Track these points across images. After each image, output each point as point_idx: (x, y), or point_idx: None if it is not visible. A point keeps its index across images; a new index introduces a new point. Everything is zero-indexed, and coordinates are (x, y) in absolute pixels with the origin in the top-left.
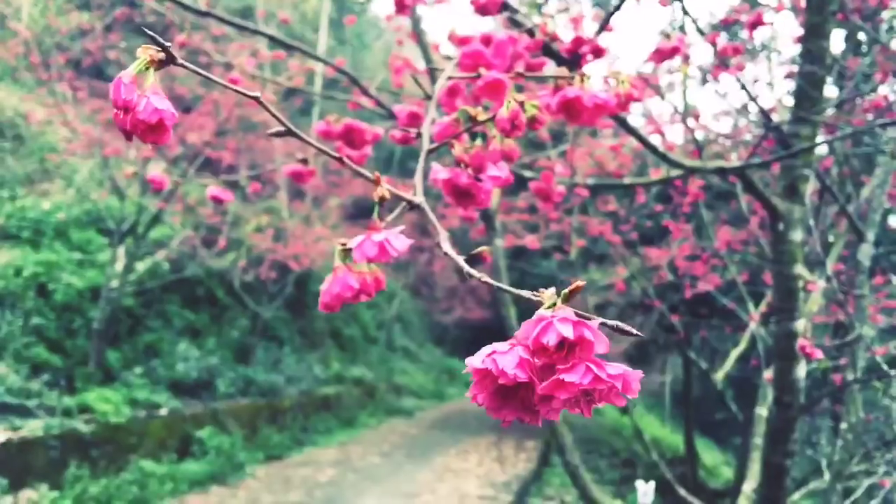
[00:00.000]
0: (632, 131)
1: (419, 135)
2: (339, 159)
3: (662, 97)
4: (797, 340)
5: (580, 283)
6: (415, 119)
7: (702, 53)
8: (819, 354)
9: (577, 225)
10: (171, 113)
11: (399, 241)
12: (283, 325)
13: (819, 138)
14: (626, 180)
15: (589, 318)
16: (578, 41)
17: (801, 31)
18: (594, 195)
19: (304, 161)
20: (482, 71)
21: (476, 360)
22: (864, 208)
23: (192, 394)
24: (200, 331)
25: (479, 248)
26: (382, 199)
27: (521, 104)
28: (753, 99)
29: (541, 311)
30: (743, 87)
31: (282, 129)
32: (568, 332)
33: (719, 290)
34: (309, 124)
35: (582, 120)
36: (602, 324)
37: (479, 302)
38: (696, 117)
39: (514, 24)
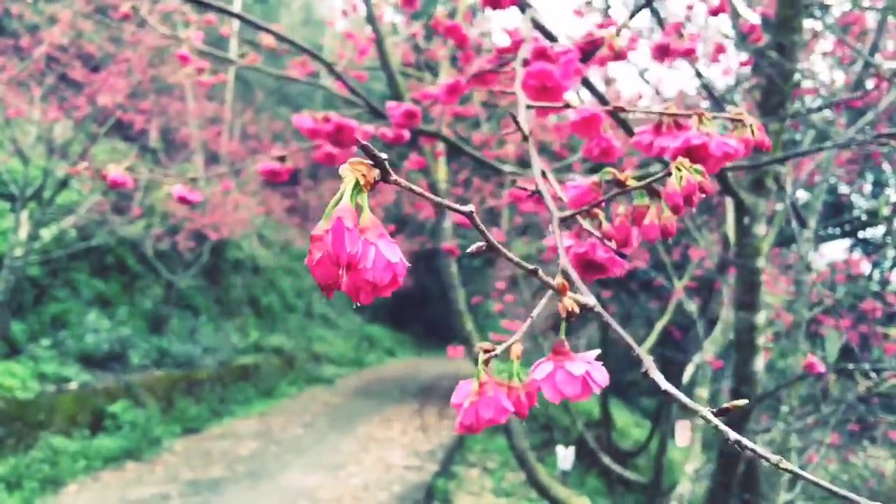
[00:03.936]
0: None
1: (536, 192)
2: (534, 272)
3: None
4: (757, 333)
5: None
6: (411, 118)
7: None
8: (821, 368)
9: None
10: (404, 265)
11: (601, 373)
12: (198, 293)
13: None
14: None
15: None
16: (592, 41)
17: (756, 20)
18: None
19: (282, 159)
20: (571, 101)
21: None
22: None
23: (104, 366)
24: (111, 300)
25: (732, 404)
26: (571, 314)
27: (689, 169)
28: (711, 92)
29: None
30: (699, 75)
31: (483, 244)
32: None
33: (650, 265)
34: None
35: (705, 167)
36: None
37: None
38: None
39: (537, 26)
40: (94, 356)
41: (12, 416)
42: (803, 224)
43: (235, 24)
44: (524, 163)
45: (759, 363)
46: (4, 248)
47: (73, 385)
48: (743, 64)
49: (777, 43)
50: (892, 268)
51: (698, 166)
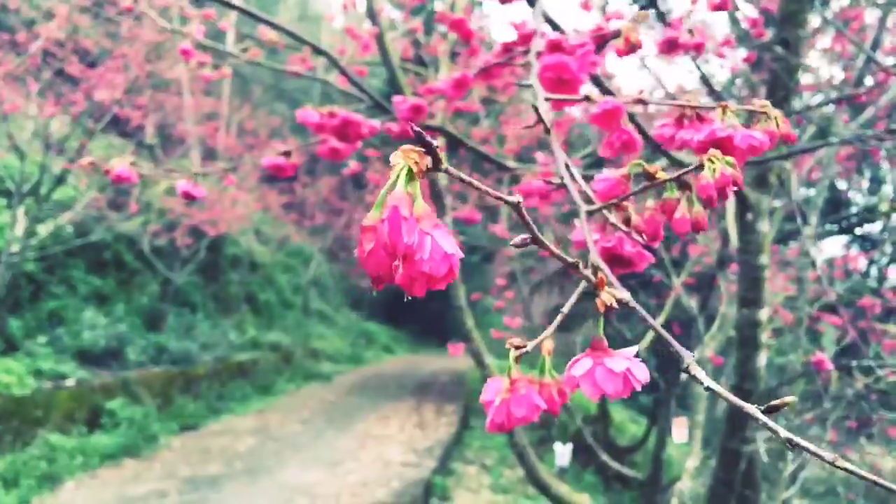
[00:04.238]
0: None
1: (561, 185)
2: (574, 266)
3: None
4: (760, 329)
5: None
6: (417, 112)
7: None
8: (829, 366)
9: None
10: (459, 256)
11: (641, 370)
12: (195, 289)
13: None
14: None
15: None
16: (601, 34)
17: (753, 14)
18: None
19: (287, 154)
20: (592, 94)
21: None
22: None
23: (101, 363)
24: (108, 297)
25: (781, 401)
26: (610, 309)
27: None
28: (712, 87)
29: None
30: (699, 69)
31: (527, 237)
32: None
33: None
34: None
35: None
36: None
37: None
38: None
39: (546, 19)
40: (90, 353)
41: (9, 413)
42: (805, 220)
43: (234, 18)
44: (522, 159)
45: (762, 359)
46: (1, 244)
47: (70, 382)
48: (745, 60)
49: (782, 38)
50: (888, 264)
51: (730, 158)
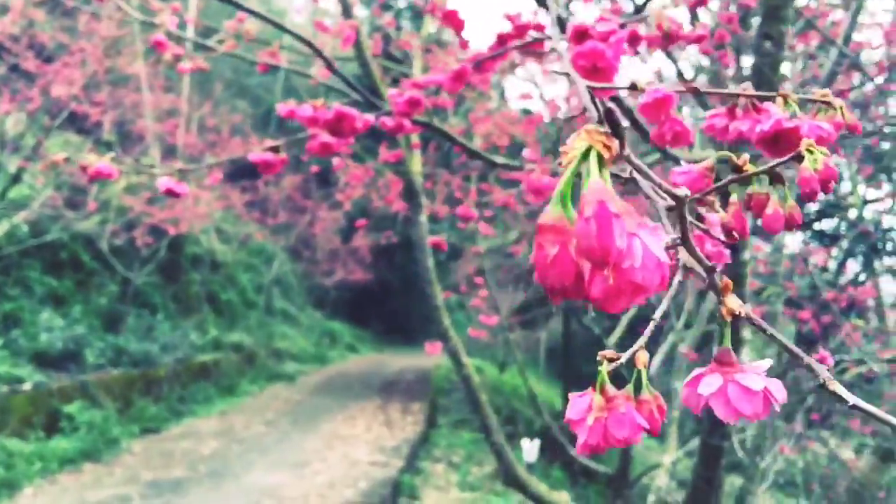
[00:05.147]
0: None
1: (630, 179)
2: (711, 271)
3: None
4: (742, 325)
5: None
6: (415, 106)
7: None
8: (830, 361)
9: (483, 198)
10: (669, 261)
11: (778, 388)
12: (155, 290)
13: None
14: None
15: None
16: (610, 31)
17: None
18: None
19: (276, 150)
20: (639, 83)
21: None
22: None
23: (58, 366)
24: (65, 298)
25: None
26: (736, 317)
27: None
28: (686, 82)
29: None
30: (679, 73)
31: (677, 238)
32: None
33: None
34: None
35: (790, 152)
36: None
37: (361, 264)
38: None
39: (540, 3)
40: (48, 355)
41: None
42: None
43: (195, 11)
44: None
45: (744, 356)
46: None
47: (26, 386)
48: (723, 56)
49: (765, 33)
50: (845, 259)
51: (824, 149)
